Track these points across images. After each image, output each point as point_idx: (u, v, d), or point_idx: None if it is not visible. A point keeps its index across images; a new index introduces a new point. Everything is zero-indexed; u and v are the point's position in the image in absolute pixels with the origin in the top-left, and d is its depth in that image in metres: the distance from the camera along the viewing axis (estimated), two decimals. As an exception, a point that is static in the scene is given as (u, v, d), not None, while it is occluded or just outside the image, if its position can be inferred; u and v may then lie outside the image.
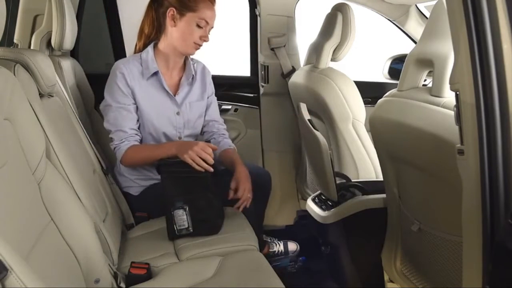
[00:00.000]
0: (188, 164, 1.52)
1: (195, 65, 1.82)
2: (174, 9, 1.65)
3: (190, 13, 1.65)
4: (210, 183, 1.55)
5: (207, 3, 1.66)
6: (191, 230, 1.51)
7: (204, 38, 1.68)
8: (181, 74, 1.79)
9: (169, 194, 1.52)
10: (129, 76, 1.67)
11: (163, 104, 1.74)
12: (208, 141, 1.76)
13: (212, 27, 1.71)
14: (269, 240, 2.15)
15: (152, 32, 1.75)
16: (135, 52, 1.78)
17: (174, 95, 1.75)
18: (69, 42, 1.87)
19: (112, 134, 1.67)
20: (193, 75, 1.79)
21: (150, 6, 1.74)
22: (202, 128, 1.86)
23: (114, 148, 1.68)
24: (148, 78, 1.70)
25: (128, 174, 1.75)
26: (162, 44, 1.73)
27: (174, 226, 1.51)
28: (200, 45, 1.70)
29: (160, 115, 1.72)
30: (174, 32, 1.68)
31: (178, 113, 1.76)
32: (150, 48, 1.73)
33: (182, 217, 1.50)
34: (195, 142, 1.60)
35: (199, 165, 1.51)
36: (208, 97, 1.85)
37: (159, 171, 1.60)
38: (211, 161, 1.52)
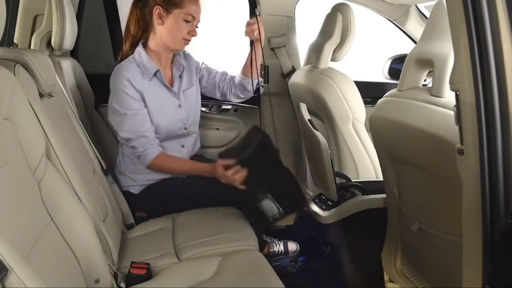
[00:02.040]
0: (250, 153, 1.54)
1: (179, 55, 1.84)
2: (160, 8, 1.67)
3: (177, 9, 1.66)
4: (278, 159, 1.58)
5: None
6: (283, 212, 1.53)
7: (192, 32, 1.70)
8: (171, 67, 1.82)
9: (249, 190, 1.54)
10: (134, 81, 1.67)
11: (167, 100, 1.76)
12: (231, 90, 1.91)
13: (199, 21, 1.72)
14: (269, 240, 2.15)
15: (139, 32, 1.75)
16: (122, 54, 1.76)
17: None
18: (69, 42, 1.87)
19: (133, 142, 1.67)
20: (183, 66, 1.82)
21: (134, 6, 1.74)
22: (219, 85, 1.92)
23: (139, 156, 1.68)
24: (150, 79, 1.71)
25: (129, 173, 1.76)
26: (152, 43, 1.74)
27: (268, 217, 1.52)
28: (189, 40, 1.72)
29: (166, 112, 1.74)
30: (162, 30, 1.69)
31: (179, 106, 1.78)
32: (141, 49, 1.72)
33: (270, 205, 1.52)
34: (216, 169, 1.61)
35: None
36: (200, 71, 1.90)
37: None
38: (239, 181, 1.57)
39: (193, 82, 1.87)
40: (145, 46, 1.75)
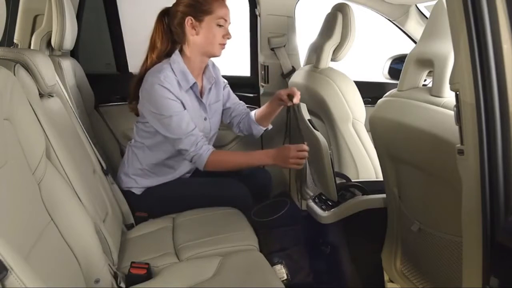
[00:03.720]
0: (282, 220, 1.66)
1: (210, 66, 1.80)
2: (192, 18, 1.63)
3: (207, 16, 1.63)
4: (301, 236, 1.70)
5: (220, 1, 1.65)
6: (290, 279, 1.58)
7: (227, 35, 1.67)
8: (202, 78, 1.78)
9: (266, 252, 1.55)
10: (174, 90, 1.63)
11: (197, 112, 1.73)
12: (239, 124, 1.90)
13: (230, 23, 1.69)
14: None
15: (167, 46, 1.71)
16: (147, 66, 1.70)
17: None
18: (69, 42, 1.88)
19: (182, 142, 1.63)
20: (214, 78, 1.79)
21: (160, 20, 1.70)
22: (230, 114, 1.90)
23: (192, 157, 1.64)
24: (187, 90, 1.68)
25: (135, 176, 1.76)
26: (187, 53, 1.69)
27: None
28: (225, 44, 1.68)
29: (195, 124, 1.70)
30: (198, 39, 1.66)
31: (205, 119, 1.76)
32: (179, 58, 1.68)
33: (280, 271, 1.56)
34: (287, 149, 1.61)
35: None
36: (224, 89, 1.87)
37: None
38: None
39: (219, 96, 1.85)
40: (180, 53, 1.70)
